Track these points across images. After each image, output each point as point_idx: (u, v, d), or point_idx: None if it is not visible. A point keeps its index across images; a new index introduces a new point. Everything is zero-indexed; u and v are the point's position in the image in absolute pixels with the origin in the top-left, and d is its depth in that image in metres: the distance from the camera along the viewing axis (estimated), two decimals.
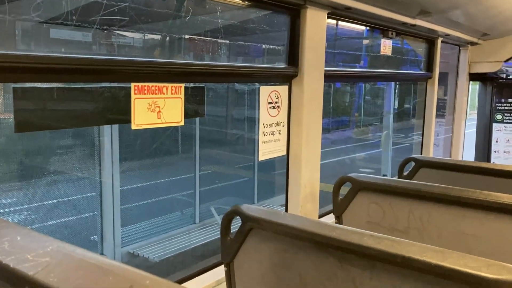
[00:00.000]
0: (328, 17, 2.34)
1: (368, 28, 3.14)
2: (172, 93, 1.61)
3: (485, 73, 4.33)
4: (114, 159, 6.91)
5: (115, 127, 6.37)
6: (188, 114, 1.68)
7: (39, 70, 1.33)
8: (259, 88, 2.21)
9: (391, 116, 9.28)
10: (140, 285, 0.64)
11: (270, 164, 8.97)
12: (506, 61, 4.13)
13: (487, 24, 3.57)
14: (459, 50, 4.30)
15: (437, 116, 4.06)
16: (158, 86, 1.57)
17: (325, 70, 2.39)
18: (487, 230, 1.82)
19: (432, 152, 3.90)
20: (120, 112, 1.49)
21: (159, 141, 9.39)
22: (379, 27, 2.94)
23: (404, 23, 2.89)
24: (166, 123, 1.59)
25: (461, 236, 1.87)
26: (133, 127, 1.49)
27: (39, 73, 1.33)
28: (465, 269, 1.14)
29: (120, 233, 6.67)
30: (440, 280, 1.19)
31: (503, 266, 1.12)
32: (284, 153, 2.32)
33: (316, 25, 2.24)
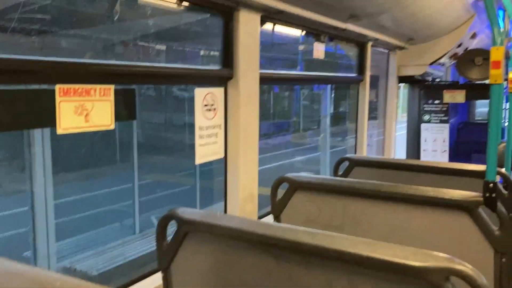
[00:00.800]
0: (261, 21, 2.36)
1: (302, 33, 3.21)
2: (100, 95, 1.55)
3: (413, 76, 4.56)
4: (46, 170, 6.58)
5: (47, 136, 6.07)
6: (119, 118, 1.63)
7: None
8: None
9: (328, 120, 9.56)
10: (51, 286, 0.61)
11: (212, 170, 8.93)
12: (431, 64, 4.38)
13: (412, 29, 3.77)
14: (388, 54, 4.51)
15: (369, 118, 4.22)
16: (85, 88, 1.50)
17: (261, 73, 2.41)
18: (416, 222, 1.91)
19: (365, 152, 4.05)
20: (44, 115, 1.41)
21: (95, 150, 9.07)
22: (312, 31, 3.02)
23: (335, 28, 2.98)
24: (94, 127, 1.52)
25: (392, 229, 1.95)
26: (59, 131, 1.42)
27: None
28: (393, 259, 1.18)
29: (56, 248, 6.35)
30: (371, 271, 1.23)
31: (429, 254, 1.18)
32: (222, 155, 2.31)
33: (250, 27, 2.26)
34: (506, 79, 3.36)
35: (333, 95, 13.70)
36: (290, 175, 2.23)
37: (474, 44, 4.61)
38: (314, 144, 13.84)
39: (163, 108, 11.65)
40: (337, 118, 14.81)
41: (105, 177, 9.62)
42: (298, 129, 15.93)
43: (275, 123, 14.97)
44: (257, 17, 2.31)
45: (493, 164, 1.82)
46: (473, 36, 4.33)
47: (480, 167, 2.34)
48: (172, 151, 11.12)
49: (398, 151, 5.37)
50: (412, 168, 2.56)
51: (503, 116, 4.92)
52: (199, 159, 2.18)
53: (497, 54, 1.74)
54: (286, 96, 15.82)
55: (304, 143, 15.10)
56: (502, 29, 1.99)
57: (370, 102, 4.19)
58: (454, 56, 4.46)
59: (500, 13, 3.86)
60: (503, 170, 2.25)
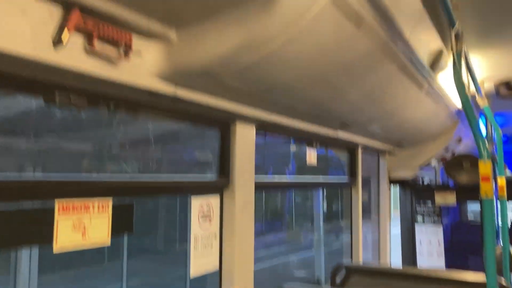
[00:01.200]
0: (256, 130, 2.46)
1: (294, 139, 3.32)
2: (98, 211, 1.55)
3: (403, 179, 4.64)
4: (32, 271, 6.33)
5: None
6: (116, 232, 1.62)
7: None
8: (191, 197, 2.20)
9: (321, 219, 9.50)
10: None
11: (206, 275, 8.63)
12: (420, 167, 4.49)
13: (400, 135, 3.92)
14: (379, 158, 4.63)
15: (363, 218, 4.21)
16: (84, 203, 1.51)
17: (256, 180, 2.45)
18: None
19: (361, 256, 3.98)
20: (40, 233, 1.40)
21: (85, 251, 8.80)
22: (305, 138, 3.13)
23: (327, 136, 3.10)
24: (91, 243, 1.51)
25: None
26: (55, 249, 1.40)
27: None
28: None
29: None
30: None
31: None
32: (217, 267, 2.26)
33: (245, 138, 2.35)
34: (495, 183, 3.43)
35: (325, 192, 13.79)
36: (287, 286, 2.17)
37: (461, 148, 4.77)
38: (308, 242, 13.61)
39: (153, 211, 11.60)
40: (330, 216, 14.75)
41: (92, 280, 9.25)
42: (291, 227, 15.78)
43: (268, 222, 14.88)
44: (252, 128, 2.40)
45: (493, 278, 1.79)
46: (459, 141, 4.50)
47: (479, 277, 2.30)
48: (163, 255, 10.88)
49: (393, 251, 5.28)
50: (411, 277, 2.52)
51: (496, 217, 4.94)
52: (194, 271, 2.12)
53: (485, 168, 1.80)
54: (279, 195, 15.92)
55: (297, 241, 14.84)
56: (485, 139, 2.07)
57: (363, 203, 4.21)
58: (442, 159, 4.58)
59: (482, 118, 4.05)
60: (503, 281, 2.21)
